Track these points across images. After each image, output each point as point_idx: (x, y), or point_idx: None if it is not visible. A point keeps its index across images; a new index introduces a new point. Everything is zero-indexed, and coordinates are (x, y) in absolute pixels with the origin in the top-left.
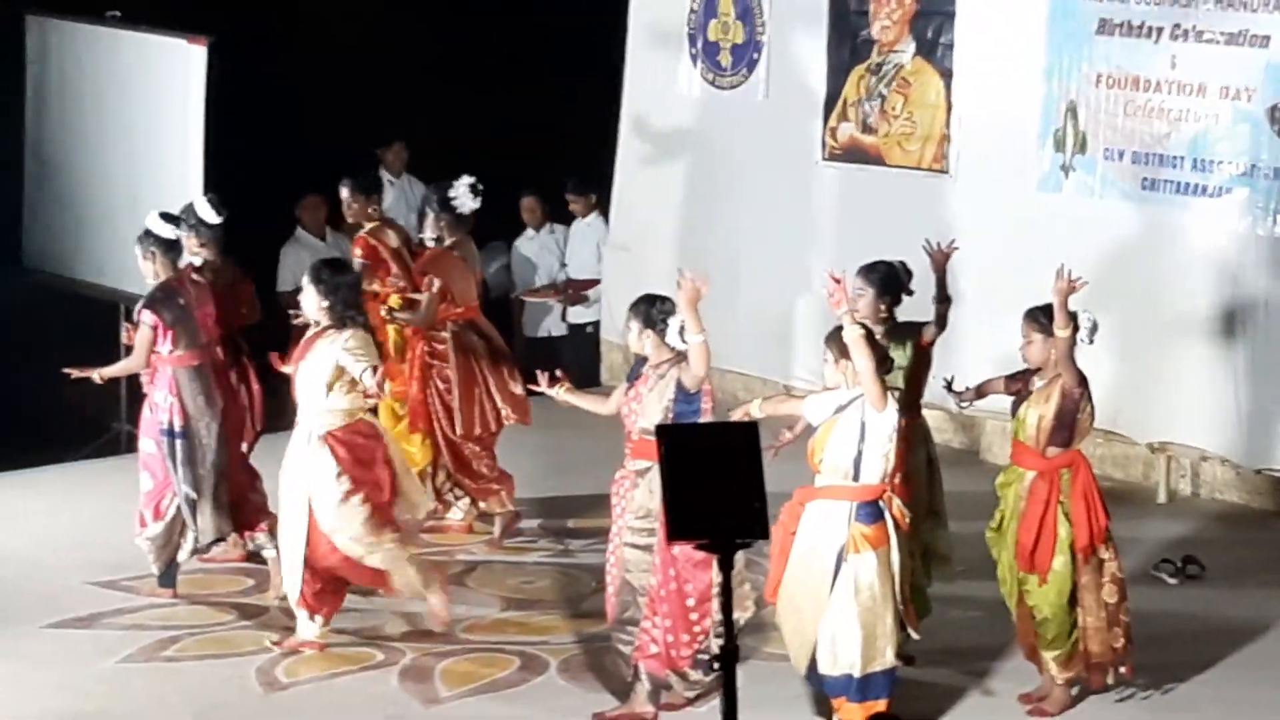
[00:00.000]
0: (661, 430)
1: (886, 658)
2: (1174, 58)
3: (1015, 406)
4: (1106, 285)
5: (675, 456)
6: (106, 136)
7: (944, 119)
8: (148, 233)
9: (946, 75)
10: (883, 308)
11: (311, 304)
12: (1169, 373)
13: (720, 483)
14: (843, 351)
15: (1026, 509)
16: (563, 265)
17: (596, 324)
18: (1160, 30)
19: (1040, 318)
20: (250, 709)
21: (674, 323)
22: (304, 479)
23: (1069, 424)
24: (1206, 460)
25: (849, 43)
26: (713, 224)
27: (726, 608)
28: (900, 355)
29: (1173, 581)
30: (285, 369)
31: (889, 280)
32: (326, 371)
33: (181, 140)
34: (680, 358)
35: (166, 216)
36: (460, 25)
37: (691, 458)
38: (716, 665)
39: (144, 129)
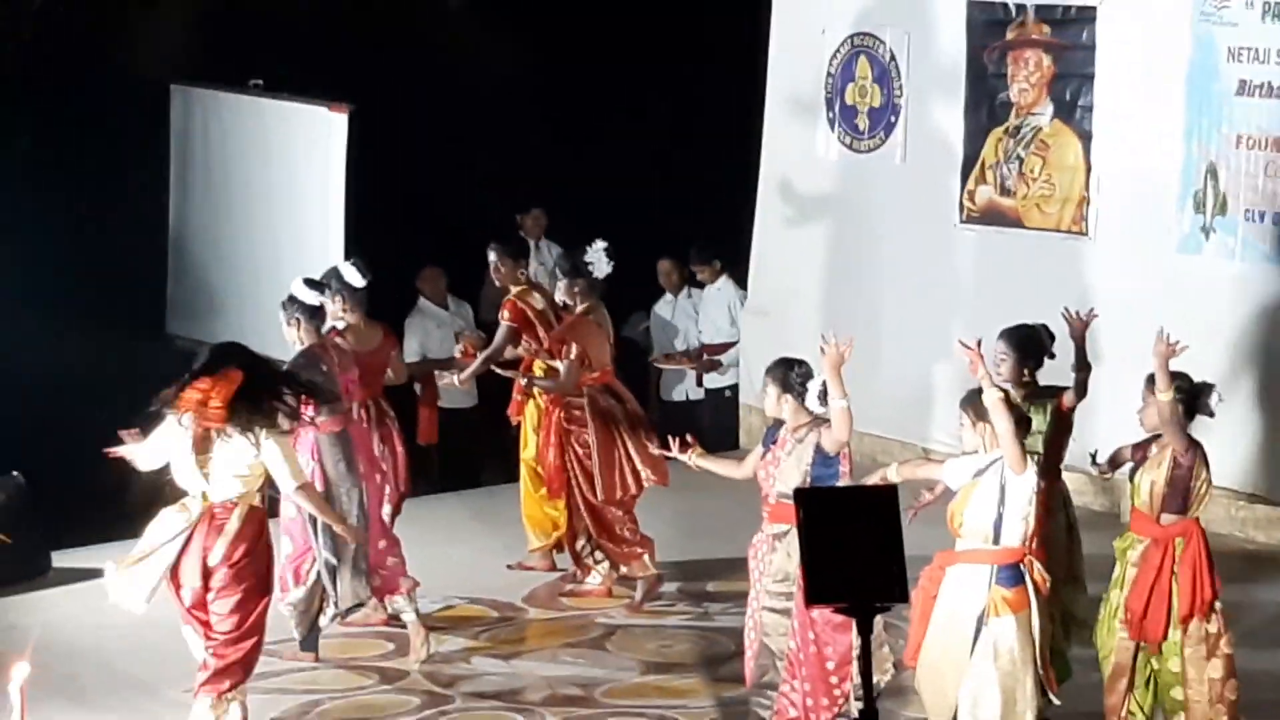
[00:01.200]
0: (801, 494)
1: None
2: None
3: (1133, 472)
4: (1246, 347)
5: (815, 520)
6: (249, 204)
7: (1083, 181)
8: (292, 298)
9: (1085, 137)
10: (1025, 371)
11: None
12: None
13: (859, 546)
14: (980, 414)
15: (1138, 576)
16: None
17: (734, 387)
18: None
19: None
20: None
21: (813, 386)
22: None
23: (1182, 490)
24: None
25: (987, 105)
26: (851, 287)
27: (866, 671)
28: (1040, 419)
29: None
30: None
31: (1030, 343)
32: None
33: (322, 206)
34: (818, 421)
35: (310, 282)
36: (598, 92)
37: (831, 521)
38: None
39: (285, 196)
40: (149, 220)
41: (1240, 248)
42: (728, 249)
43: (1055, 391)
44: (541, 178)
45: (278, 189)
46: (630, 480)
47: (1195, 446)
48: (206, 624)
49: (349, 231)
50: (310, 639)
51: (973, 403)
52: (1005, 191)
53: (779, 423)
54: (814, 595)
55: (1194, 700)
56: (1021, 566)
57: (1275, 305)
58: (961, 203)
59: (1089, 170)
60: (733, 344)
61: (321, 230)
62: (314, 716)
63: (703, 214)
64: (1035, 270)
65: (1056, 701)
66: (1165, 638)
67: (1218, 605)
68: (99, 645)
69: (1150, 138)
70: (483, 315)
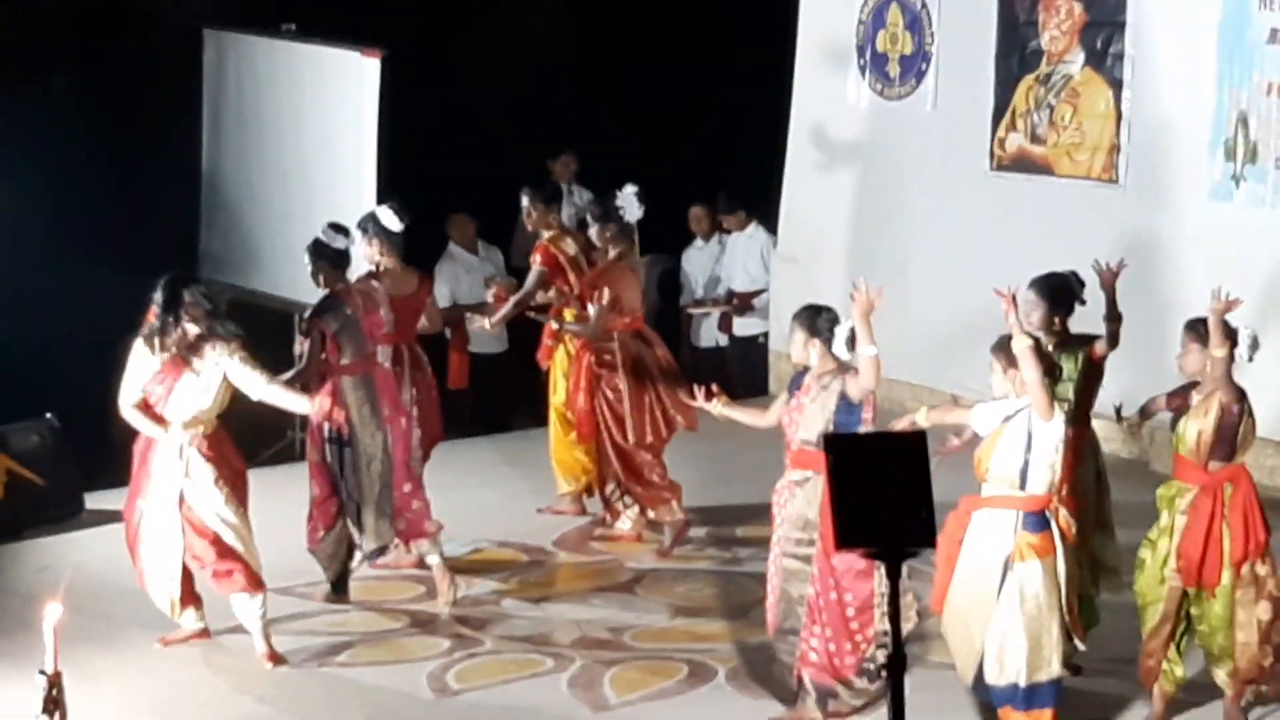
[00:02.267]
0: (829, 439)
1: (1053, 667)
2: None
3: (1175, 421)
4: (1277, 295)
5: (843, 465)
6: (281, 149)
7: (1113, 129)
8: (317, 242)
9: (1116, 85)
10: (1055, 320)
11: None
12: None
13: (888, 492)
14: (1010, 361)
15: (1191, 524)
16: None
17: (765, 334)
18: None
19: (1200, 329)
20: (421, 714)
21: (840, 332)
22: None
23: (1230, 438)
24: None
25: (1018, 53)
26: (881, 234)
27: (895, 616)
28: (1070, 367)
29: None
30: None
31: (1061, 292)
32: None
33: (355, 152)
34: (844, 368)
35: (336, 227)
36: (630, 37)
37: (859, 467)
38: (884, 674)
39: (318, 141)
40: (182, 166)
41: (1271, 195)
42: (758, 196)
43: (1087, 340)
44: (573, 123)
45: (310, 134)
46: (661, 425)
47: (1243, 396)
48: (188, 549)
49: (381, 177)
50: (340, 582)
51: (1003, 348)
52: (1036, 139)
53: (805, 369)
54: (844, 539)
55: (1242, 643)
56: (1047, 513)
57: None
58: (992, 150)
59: (1119, 118)
60: (762, 291)
61: (354, 176)
62: (344, 658)
63: (734, 160)
64: (1065, 218)
65: (1082, 647)
66: (1219, 582)
67: (1269, 547)
68: (131, 586)
69: (1181, 86)
70: (513, 261)
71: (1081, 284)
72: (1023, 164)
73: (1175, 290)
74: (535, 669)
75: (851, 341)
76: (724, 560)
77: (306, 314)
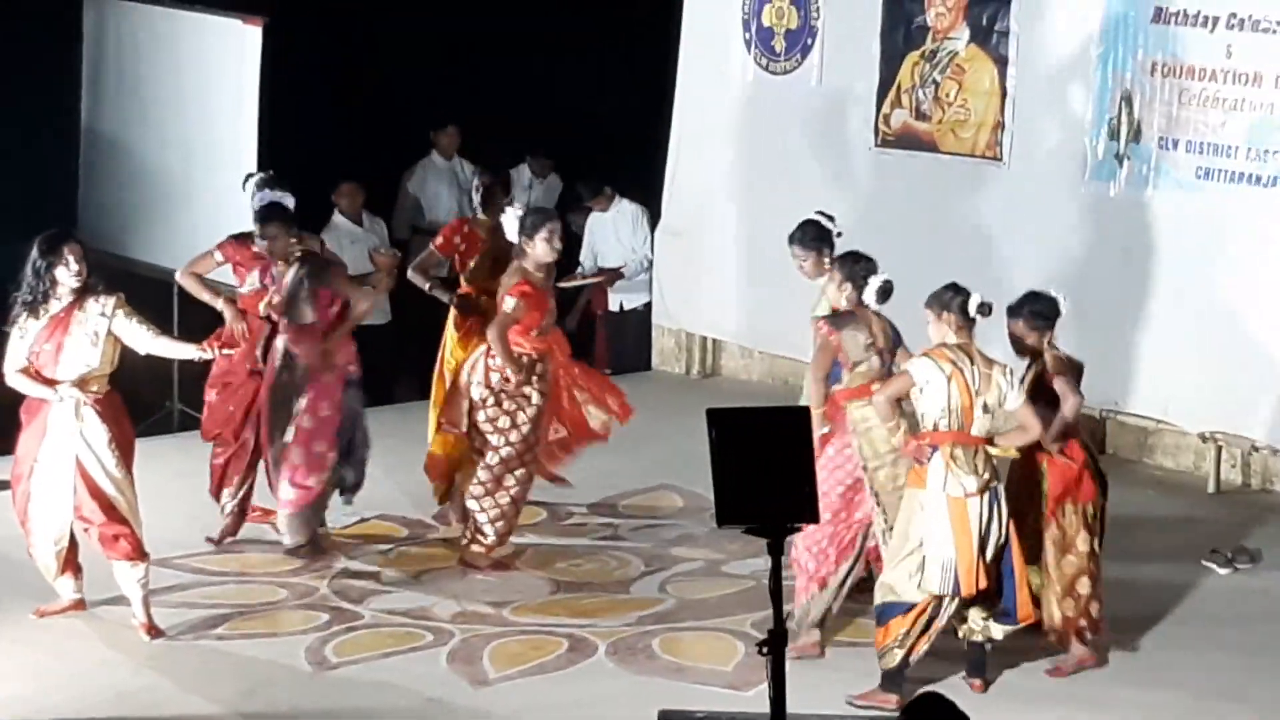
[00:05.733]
0: (712, 414)
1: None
2: (1229, 46)
3: None
4: (1158, 274)
5: (725, 441)
6: (161, 116)
7: (998, 106)
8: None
9: (1001, 62)
10: (825, 262)
11: None
12: (1220, 362)
13: (771, 468)
14: (940, 307)
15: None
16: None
17: (647, 305)
18: (1216, 19)
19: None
20: (299, 687)
21: (874, 281)
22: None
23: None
24: (1258, 450)
25: (903, 29)
26: (765, 209)
27: (776, 592)
28: None
29: (1223, 571)
30: None
31: (822, 238)
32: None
33: (236, 120)
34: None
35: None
36: (515, 8)
37: (742, 442)
38: (765, 650)
39: (199, 109)
40: (59, 132)
41: (1154, 174)
42: (642, 169)
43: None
44: (456, 95)
45: (191, 102)
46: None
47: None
48: (77, 509)
49: (262, 146)
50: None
51: (937, 299)
52: (921, 116)
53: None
54: (725, 516)
55: (1049, 587)
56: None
57: (1186, 232)
58: (877, 126)
59: (1004, 95)
60: (622, 267)
61: (234, 145)
62: (221, 630)
63: (616, 134)
64: (950, 195)
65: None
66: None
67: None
68: (6, 555)
69: (1065, 64)
70: (396, 233)
71: (830, 218)
72: (907, 140)
73: (1058, 269)
74: (414, 643)
75: (883, 292)
76: (605, 535)
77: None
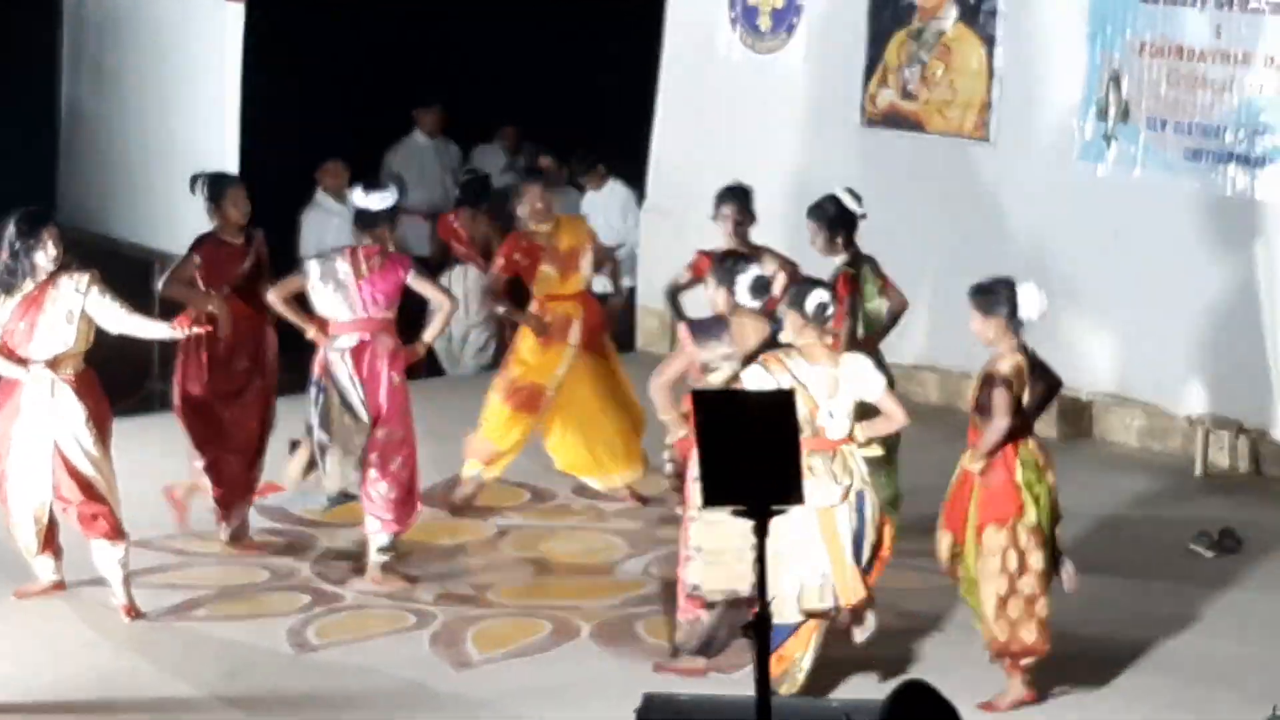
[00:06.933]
0: (698, 396)
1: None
2: (1218, 26)
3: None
4: (1146, 255)
5: (711, 422)
6: (142, 94)
7: (985, 86)
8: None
9: (988, 42)
10: (838, 241)
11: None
12: (1207, 344)
13: (756, 449)
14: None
15: (957, 478)
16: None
17: (632, 289)
18: None
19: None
20: (281, 670)
21: (743, 279)
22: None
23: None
24: (1245, 433)
25: (890, 7)
26: (751, 189)
27: (761, 575)
28: (871, 288)
29: (1209, 555)
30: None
31: (838, 214)
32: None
33: (217, 98)
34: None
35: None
36: None
37: (728, 424)
38: (750, 632)
39: (180, 86)
40: (39, 110)
41: (1142, 155)
42: (628, 148)
43: (885, 279)
44: (439, 73)
45: (172, 80)
46: None
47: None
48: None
49: (244, 124)
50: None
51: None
52: (907, 95)
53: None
54: (711, 497)
55: (984, 610)
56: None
57: (1175, 213)
58: (863, 105)
59: (991, 75)
60: (620, 245)
61: (217, 124)
62: (204, 612)
63: (602, 112)
64: (936, 174)
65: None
66: (963, 541)
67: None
68: None
69: (1053, 44)
70: None
71: (858, 197)
72: (894, 119)
73: (1045, 249)
74: (397, 625)
75: (756, 288)
76: (590, 516)
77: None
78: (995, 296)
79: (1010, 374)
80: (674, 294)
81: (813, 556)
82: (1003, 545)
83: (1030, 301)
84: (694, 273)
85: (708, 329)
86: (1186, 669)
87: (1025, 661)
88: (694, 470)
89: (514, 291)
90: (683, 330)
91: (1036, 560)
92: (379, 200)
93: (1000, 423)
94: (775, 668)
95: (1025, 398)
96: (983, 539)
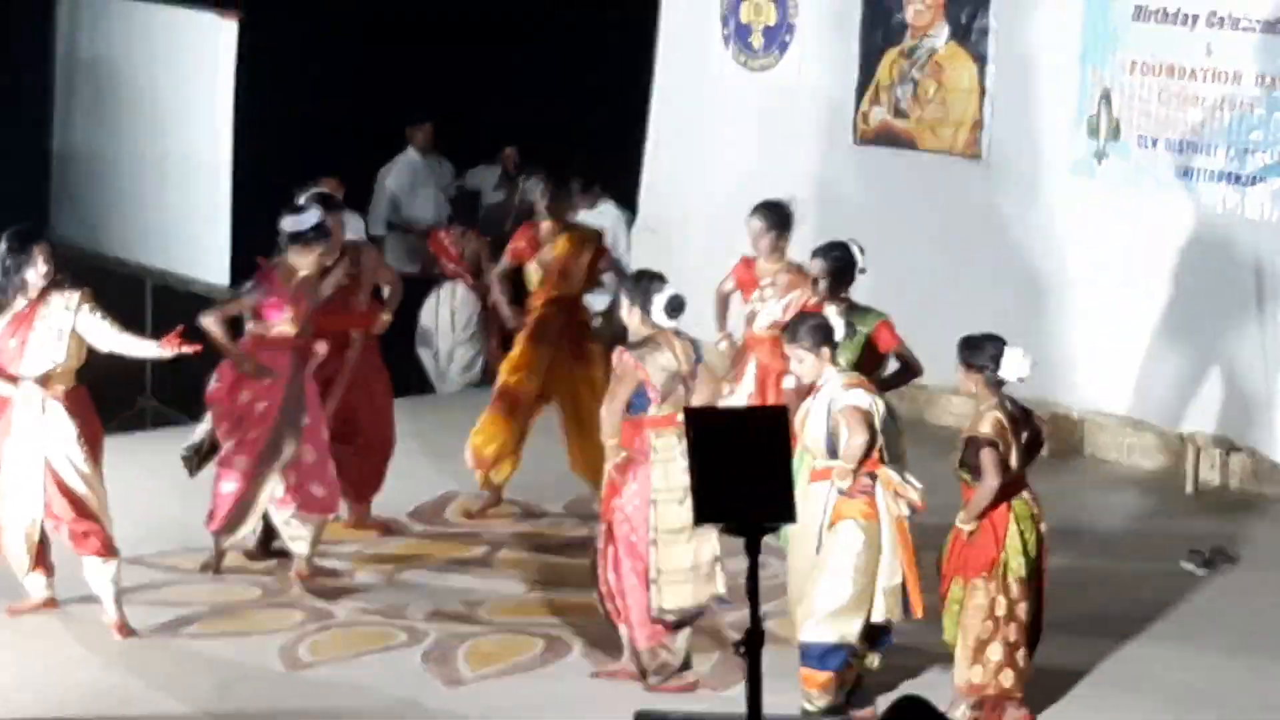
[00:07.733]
0: (690, 413)
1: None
2: (1209, 45)
3: None
4: (1137, 273)
5: (704, 440)
6: (136, 111)
7: (977, 104)
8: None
9: (980, 60)
10: (839, 292)
11: None
12: (1198, 362)
13: (748, 467)
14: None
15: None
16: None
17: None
18: (1196, 17)
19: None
20: (272, 687)
21: (659, 299)
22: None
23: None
24: (1236, 451)
25: (882, 26)
26: (743, 207)
27: (753, 592)
28: (865, 328)
29: (1200, 572)
30: None
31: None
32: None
33: (211, 116)
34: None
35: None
36: (492, 5)
37: (720, 441)
38: (743, 650)
39: (174, 104)
40: (34, 128)
41: (1133, 173)
42: (619, 166)
43: (876, 317)
44: (433, 91)
45: (165, 97)
46: None
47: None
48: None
49: (238, 141)
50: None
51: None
52: (899, 113)
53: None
54: (703, 515)
55: (960, 653)
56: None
57: (1166, 231)
58: (855, 124)
59: (983, 93)
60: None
61: (211, 141)
62: (195, 629)
63: (595, 131)
64: (929, 192)
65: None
66: (947, 589)
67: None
68: None
69: (1045, 62)
70: (371, 229)
71: (862, 250)
72: (886, 138)
73: (1036, 267)
74: (389, 642)
75: (671, 308)
76: (580, 533)
77: None
78: (981, 353)
79: (993, 434)
80: (722, 303)
81: (889, 568)
82: (992, 594)
83: (1013, 365)
84: (737, 279)
85: (646, 350)
86: (1178, 687)
87: (1002, 708)
88: (641, 494)
89: (514, 292)
90: (623, 354)
91: (1023, 610)
92: (293, 224)
93: (990, 482)
94: (815, 681)
95: (1014, 452)
96: (972, 586)
